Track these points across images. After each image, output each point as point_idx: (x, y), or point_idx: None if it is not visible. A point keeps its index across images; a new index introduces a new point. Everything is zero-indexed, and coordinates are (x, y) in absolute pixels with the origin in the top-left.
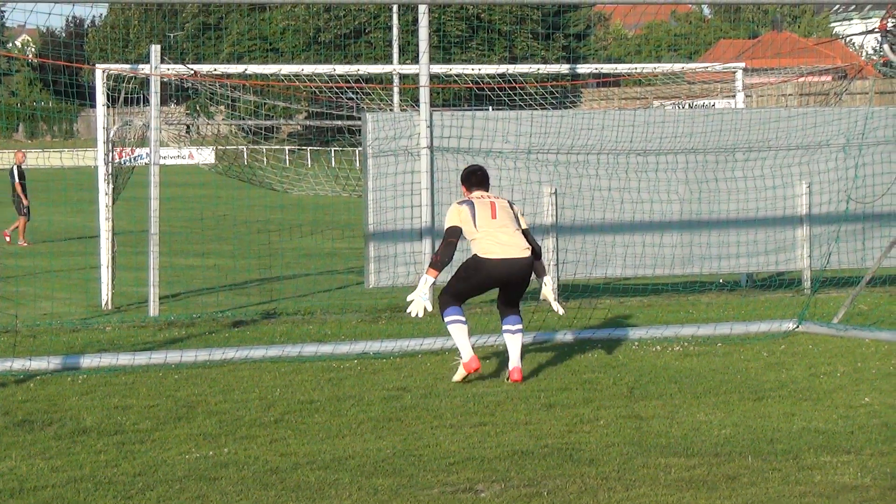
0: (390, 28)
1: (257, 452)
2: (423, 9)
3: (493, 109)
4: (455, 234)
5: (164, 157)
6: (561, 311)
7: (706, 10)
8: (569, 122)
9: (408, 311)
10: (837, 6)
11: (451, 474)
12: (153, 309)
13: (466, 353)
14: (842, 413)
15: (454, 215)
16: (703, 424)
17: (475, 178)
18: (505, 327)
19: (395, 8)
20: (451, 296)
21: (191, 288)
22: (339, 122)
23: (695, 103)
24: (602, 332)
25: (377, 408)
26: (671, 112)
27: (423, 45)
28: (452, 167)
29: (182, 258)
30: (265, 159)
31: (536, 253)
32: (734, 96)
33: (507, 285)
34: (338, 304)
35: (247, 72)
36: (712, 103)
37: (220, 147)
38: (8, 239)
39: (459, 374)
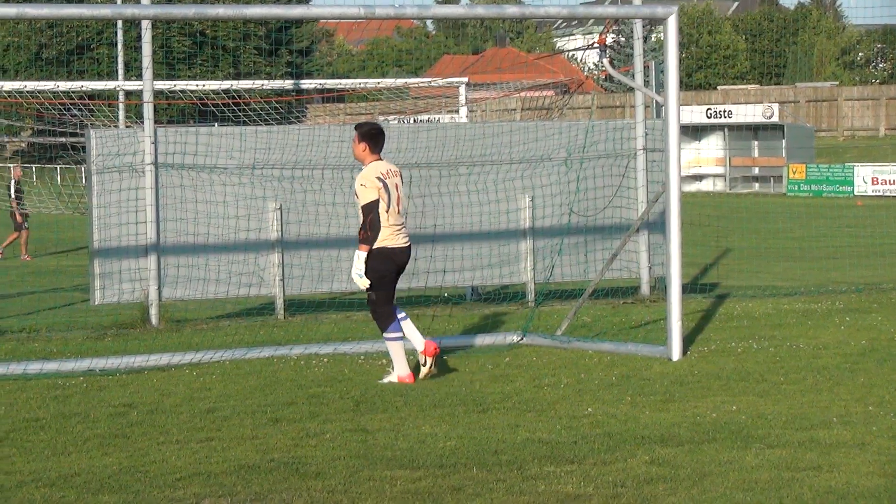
0: (115, 44)
1: None
2: (145, 24)
3: (218, 125)
4: (375, 206)
5: None
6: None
7: (430, 26)
8: (294, 138)
9: (359, 287)
10: (560, 21)
11: (178, 490)
12: None
13: (404, 369)
14: (565, 423)
15: (372, 190)
16: (428, 437)
17: (380, 140)
18: (399, 316)
19: (119, 24)
20: (385, 310)
21: None
22: (64, 139)
23: (419, 118)
24: (328, 346)
25: (103, 425)
26: (395, 126)
27: (147, 61)
28: (177, 183)
29: None
30: None
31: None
32: (458, 111)
33: (397, 273)
34: (63, 322)
35: None
36: (437, 118)
37: None
38: (1, 254)
39: (389, 379)
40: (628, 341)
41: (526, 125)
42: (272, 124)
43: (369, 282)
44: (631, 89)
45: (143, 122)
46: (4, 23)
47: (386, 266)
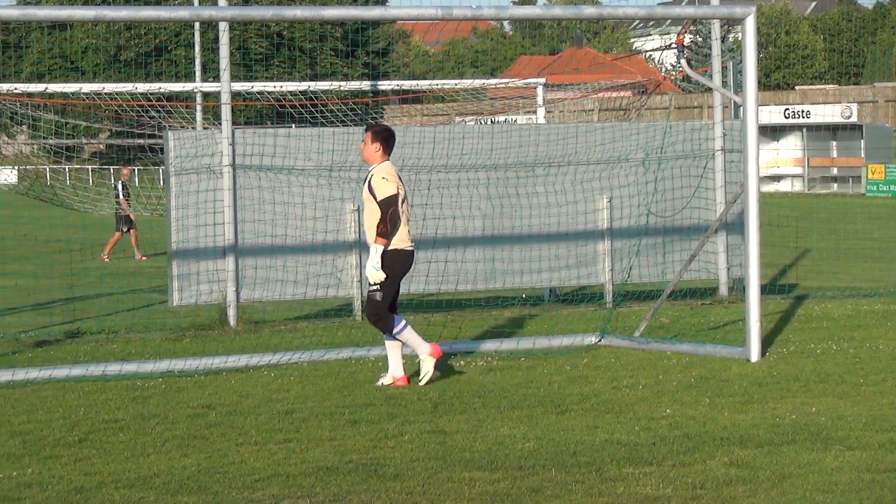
0: (192, 46)
1: (61, 472)
2: (223, 26)
3: (295, 127)
4: (395, 201)
5: None
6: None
7: (507, 27)
8: None
9: (371, 282)
10: (637, 22)
11: (257, 491)
12: None
13: (399, 370)
14: (643, 425)
15: (393, 184)
16: (506, 438)
17: (392, 145)
18: (402, 324)
19: (196, 25)
20: (387, 313)
21: None
22: (142, 141)
23: (496, 119)
24: (406, 347)
25: (182, 426)
26: (473, 128)
27: (224, 63)
28: (255, 185)
29: None
30: (67, 179)
31: None
32: (535, 112)
33: (402, 278)
34: (142, 323)
35: (48, 90)
36: (514, 119)
37: (21, 167)
38: (107, 259)
39: (384, 381)
40: (707, 342)
41: (603, 126)
42: (349, 125)
43: (384, 276)
44: (709, 90)
45: (220, 124)
46: (83, 24)
47: (399, 267)
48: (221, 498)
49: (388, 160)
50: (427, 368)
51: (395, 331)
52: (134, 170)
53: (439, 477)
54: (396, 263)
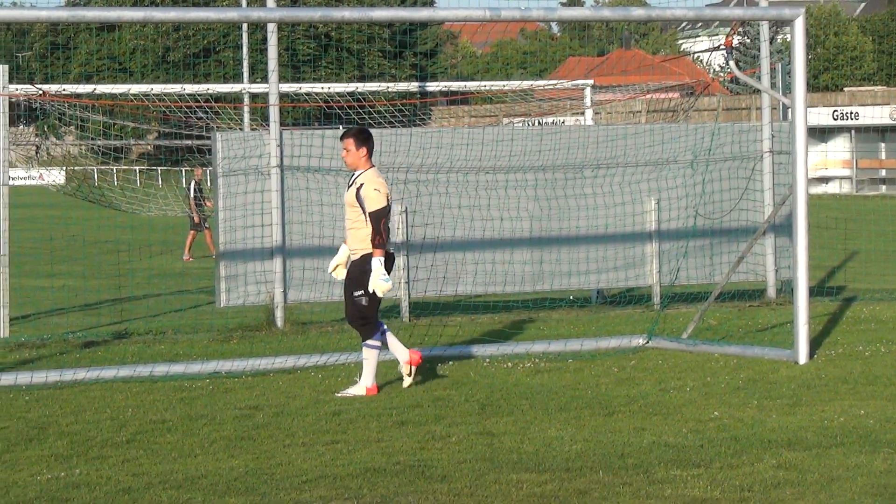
0: (240, 47)
1: (109, 473)
2: (271, 27)
3: (343, 128)
4: (386, 213)
5: (13, 178)
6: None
7: (554, 28)
8: (418, 140)
9: (379, 295)
10: (685, 23)
11: (304, 492)
12: (3, 330)
13: (372, 380)
14: (691, 427)
15: (383, 197)
16: (554, 440)
17: (373, 148)
18: (383, 328)
19: (244, 27)
20: (374, 317)
21: (41, 309)
22: (190, 142)
23: (544, 120)
24: (453, 349)
25: (229, 427)
26: (520, 129)
27: (273, 64)
28: (302, 186)
29: (32, 279)
30: (115, 179)
31: None
32: (583, 113)
33: None
34: (189, 324)
35: (96, 92)
36: (561, 120)
37: (69, 168)
38: (189, 258)
39: (353, 391)
40: (754, 344)
41: (651, 128)
42: (397, 127)
43: (390, 284)
44: (757, 91)
45: (268, 125)
46: (131, 26)
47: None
48: (269, 499)
49: (373, 165)
50: (355, 391)
51: (368, 342)
52: (206, 170)
53: (487, 479)
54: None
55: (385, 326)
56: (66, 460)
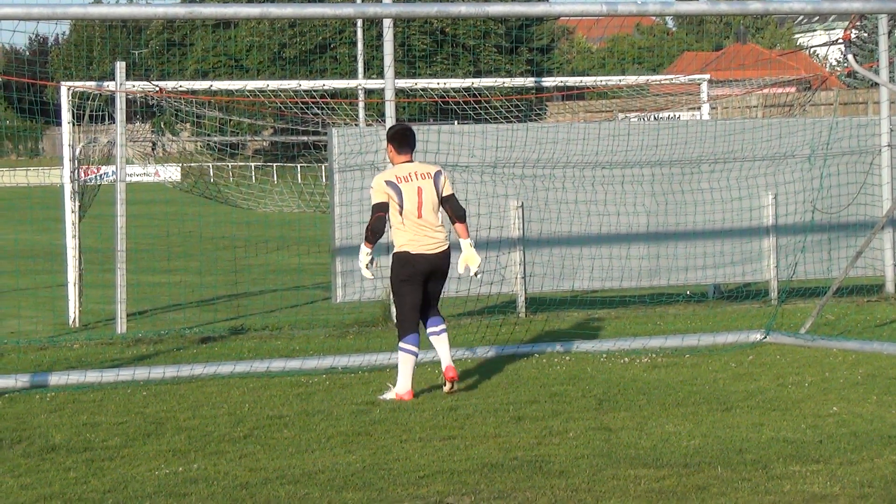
0: (355, 43)
1: (227, 468)
2: (387, 23)
3: (458, 123)
4: (383, 208)
5: (130, 175)
6: (473, 273)
7: (670, 23)
8: (534, 136)
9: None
10: (801, 17)
11: (421, 487)
12: (121, 326)
13: (404, 385)
14: (810, 423)
15: (378, 193)
16: (672, 435)
17: (405, 140)
18: (430, 330)
19: (359, 23)
20: (406, 317)
21: (158, 305)
22: (305, 138)
23: (660, 115)
24: (570, 344)
25: (346, 422)
26: (636, 124)
27: (388, 60)
28: None
29: (149, 275)
30: (231, 176)
31: (460, 217)
32: (699, 108)
33: (427, 282)
34: (305, 320)
35: (212, 88)
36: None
37: (185, 164)
38: None
39: (388, 395)
40: (873, 339)
41: (769, 122)
42: (512, 122)
43: (370, 274)
44: (875, 85)
45: (384, 121)
46: (247, 23)
47: (405, 271)
48: (385, 494)
49: (409, 159)
50: (389, 396)
51: (400, 343)
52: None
53: (604, 474)
54: (402, 267)
55: (442, 327)
56: (183, 455)
